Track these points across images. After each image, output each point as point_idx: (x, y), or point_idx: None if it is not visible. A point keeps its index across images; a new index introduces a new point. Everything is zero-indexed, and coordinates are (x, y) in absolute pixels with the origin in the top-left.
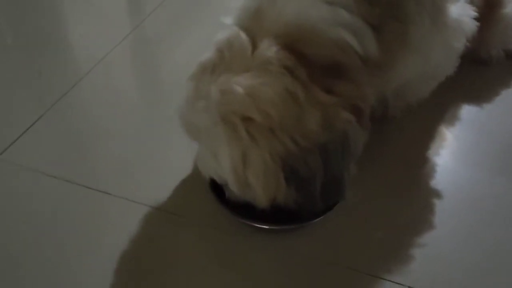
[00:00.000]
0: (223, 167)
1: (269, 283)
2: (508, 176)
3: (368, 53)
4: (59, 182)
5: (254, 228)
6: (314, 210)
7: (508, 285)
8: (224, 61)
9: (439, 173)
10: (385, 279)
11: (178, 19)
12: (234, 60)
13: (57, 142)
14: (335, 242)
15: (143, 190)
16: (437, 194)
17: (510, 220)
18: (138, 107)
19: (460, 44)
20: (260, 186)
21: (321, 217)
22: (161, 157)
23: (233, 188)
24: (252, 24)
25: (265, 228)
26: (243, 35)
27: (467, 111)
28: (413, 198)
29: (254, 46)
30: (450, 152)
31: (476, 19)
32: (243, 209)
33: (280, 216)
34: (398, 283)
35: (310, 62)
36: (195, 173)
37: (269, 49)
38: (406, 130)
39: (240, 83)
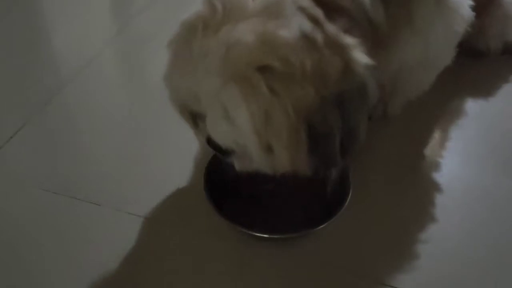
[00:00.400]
0: (242, 130)
1: None
2: None
3: (375, 20)
4: (45, 193)
5: (253, 237)
6: (333, 167)
7: None
8: (218, 14)
9: (443, 172)
10: (392, 286)
11: (165, 19)
12: (232, 11)
13: (42, 151)
14: (338, 249)
15: (134, 200)
16: (443, 195)
17: None
18: (127, 112)
19: (460, 29)
20: (283, 147)
21: (322, 226)
22: (153, 164)
23: (255, 153)
24: None
25: (265, 237)
26: None
27: (468, 107)
28: (417, 201)
29: None
30: (453, 149)
31: (474, 8)
32: (242, 218)
33: (279, 225)
34: None
35: (324, 2)
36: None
37: None
38: (407, 128)
39: (249, 30)
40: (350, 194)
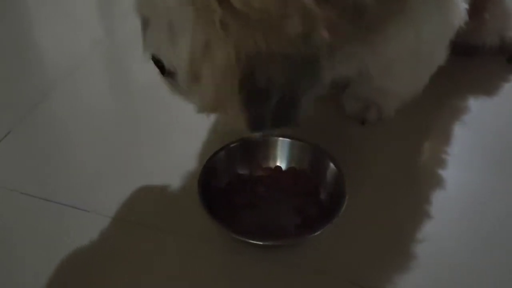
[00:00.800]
0: (179, 54)
1: None
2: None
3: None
4: (30, 198)
5: (248, 244)
6: (259, 130)
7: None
8: None
9: (441, 175)
10: None
11: None
12: None
13: (27, 157)
14: (332, 256)
15: (121, 205)
16: (442, 198)
17: None
18: (115, 115)
19: (456, 21)
20: (212, 84)
21: (318, 233)
22: (142, 169)
23: (181, 78)
24: None
25: (259, 244)
26: None
27: (466, 107)
28: (415, 205)
29: None
30: (451, 150)
31: (473, 3)
32: (236, 224)
33: (273, 230)
34: None
35: None
36: (185, 186)
37: None
38: (403, 130)
39: None
40: (346, 197)
